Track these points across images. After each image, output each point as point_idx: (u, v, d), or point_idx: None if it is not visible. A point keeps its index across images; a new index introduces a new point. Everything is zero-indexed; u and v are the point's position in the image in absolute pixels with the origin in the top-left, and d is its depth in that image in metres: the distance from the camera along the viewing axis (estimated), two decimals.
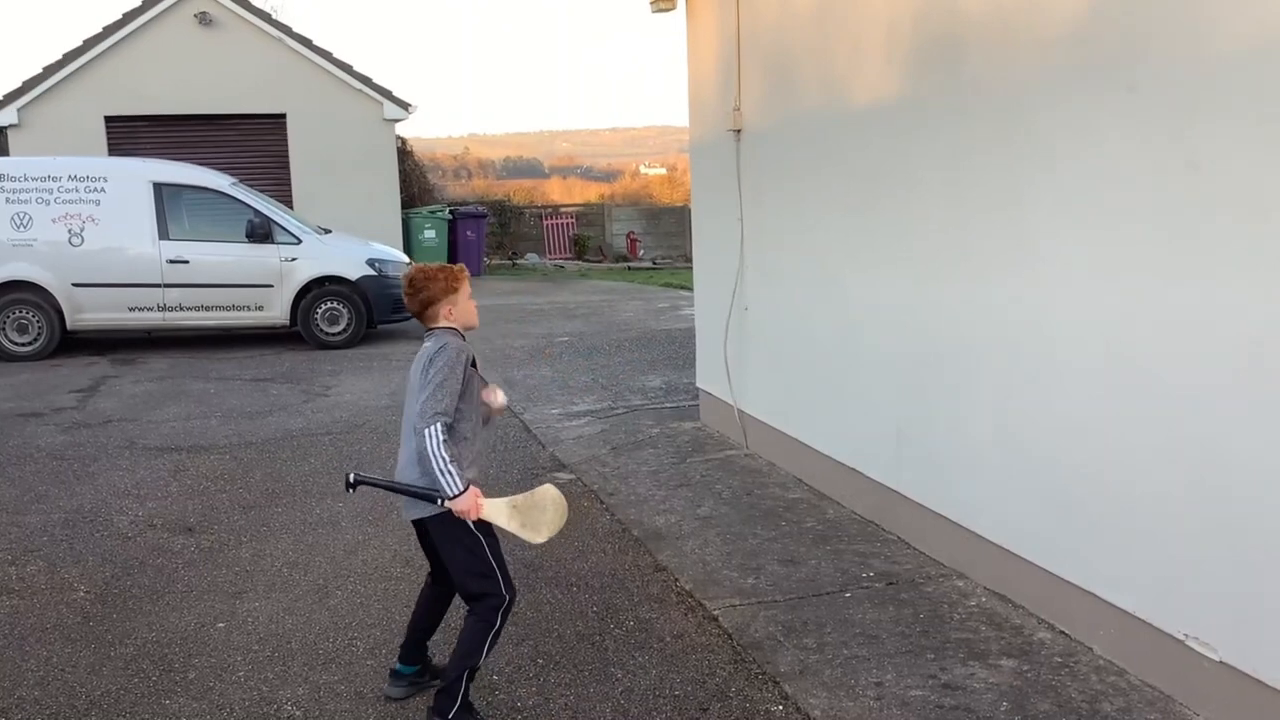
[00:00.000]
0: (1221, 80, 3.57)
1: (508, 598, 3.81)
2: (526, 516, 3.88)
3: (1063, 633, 4.47)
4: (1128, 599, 4.11)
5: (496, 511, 3.80)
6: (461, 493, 3.66)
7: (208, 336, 14.01)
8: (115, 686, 4.27)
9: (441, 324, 3.88)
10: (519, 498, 3.93)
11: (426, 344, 3.85)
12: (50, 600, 5.17)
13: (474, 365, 3.86)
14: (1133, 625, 4.08)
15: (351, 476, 3.96)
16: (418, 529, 3.93)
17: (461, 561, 3.81)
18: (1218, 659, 3.70)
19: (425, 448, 3.64)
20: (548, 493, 4.01)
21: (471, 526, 3.75)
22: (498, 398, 3.98)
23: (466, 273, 3.99)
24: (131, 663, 4.48)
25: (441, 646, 4.22)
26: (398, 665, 4.13)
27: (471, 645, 3.77)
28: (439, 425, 3.63)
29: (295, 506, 6.62)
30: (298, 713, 4.03)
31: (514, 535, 3.92)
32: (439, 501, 3.70)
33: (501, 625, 3.82)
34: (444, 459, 3.63)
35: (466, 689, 3.79)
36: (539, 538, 3.92)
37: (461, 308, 3.90)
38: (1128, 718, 3.79)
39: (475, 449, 3.86)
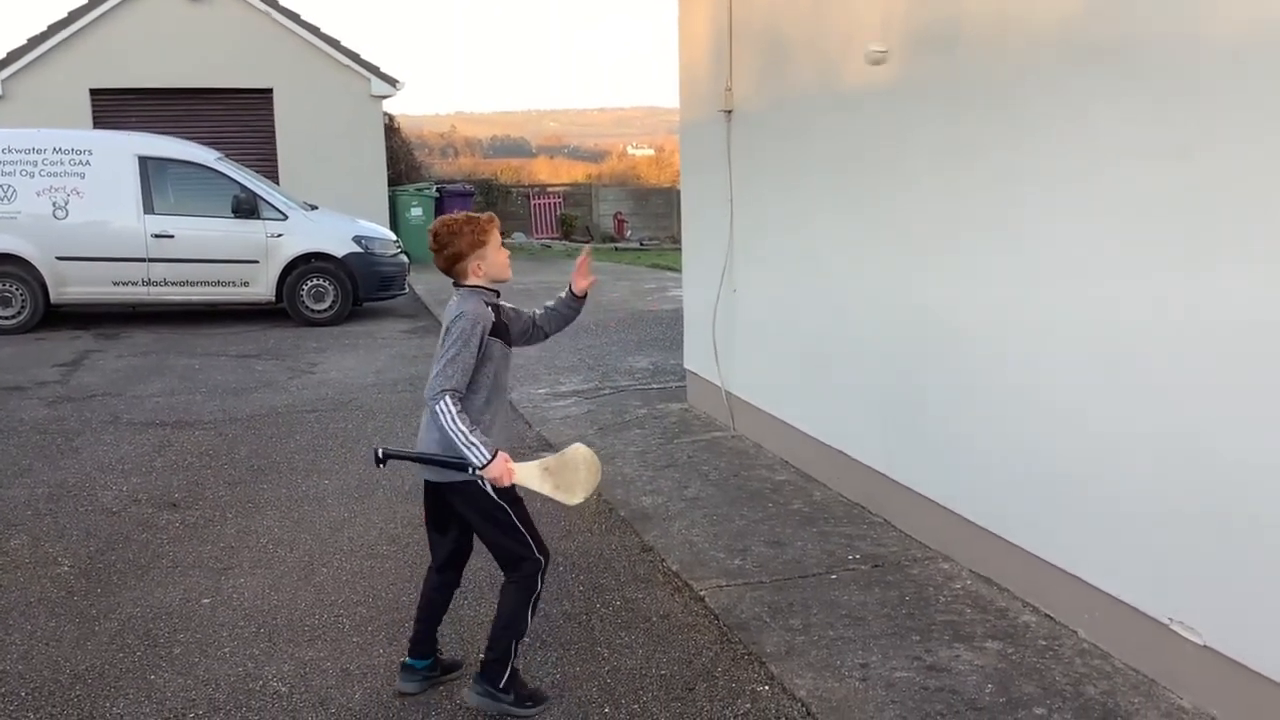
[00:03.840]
0: (1216, 68, 3.56)
1: (542, 560, 3.74)
2: (559, 478, 3.73)
3: (1047, 616, 4.50)
4: (1113, 583, 4.13)
5: (529, 475, 3.68)
6: (490, 460, 3.53)
7: (192, 312, 13.96)
8: (100, 661, 4.25)
9: (470, 281, 3.72)
10: (550, 459, 3.79)
11: (450, 303, 3.72)
12: (34, 574, 5.14)
13: (499, 331, 3.69)
14: (1117, 609, 4.10)
15: (380, 451, 3.77)
16: (431, 493, 3.81)
17: (491, 531, 3.73)
18: (1202, 643, 3.72)
19: (442, 424, 3.53)
20: (579, 452, 3.85)
21: (494, 495, 3.64)
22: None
23: (495, 221, 3.77)
24: (116, 637, 4.46)
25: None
26: (408, 659, 3.99)
27: (515, 614, 3.71)
28: (448, 398, 3.51)
29: (281, 483, 6.60)
30: (283, 689, 4.03)
31: (548, 498, 3.78)
32: (470, 470, 3.58)
33: (540, 589, 3.75)
34: (464, 431, 3.51)
35: (515, 657, 3.74)
36: (574, 498, 3.77)
37: (491, 260, 3.71)
38: (1112, 701, 3.81)
39: (489, 421, 3.68)
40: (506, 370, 3.81)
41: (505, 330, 3.78)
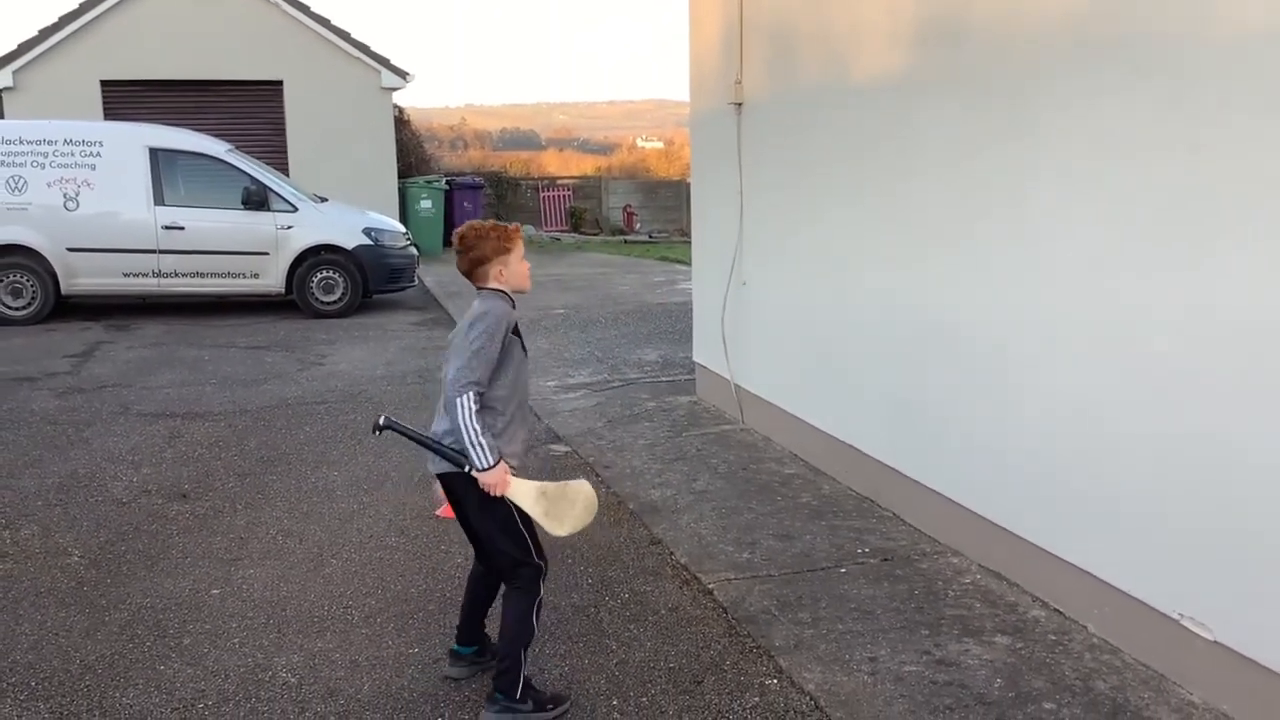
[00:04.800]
0: (1228, 62, 3.54)
1: (542, 565, 3.74)
2: (553, 505, 3.73)
3: (1057, 611, 4.48)
4: (1123, 578, 4.12)
5: (523, 493, 3.67)
6: (491, 467, 3.55)
7: (202, 303, 13.98)
8: (110, 651, 4.26)
9: (491, 285, 3.75)
10: (551, 485, 3.78)
11: (474, 304, 3.73)
12: (44, 565, 5.16)
13: (517, 333, 3.73)
14: (1127, 604, 4.09)
15: (382, 419, 3.80)
16: (447, 490, 3.80)
17: (490, 525, 3.73)
18: (1212, 639, 3.71)
19: (456, 417, 3.53)
20: (581, 488, 3.85)
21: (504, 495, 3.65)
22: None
23: (521, 233, 3.84)
24: (126, 628, 4.48)
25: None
26: (455, 646, 4.04)
27: (520, 622, 3.69)
28: (471, 394, 3.52)
29: (290, 474, 6.61)
30: (293, 679, 4.03)
31: (536, 521, 3.77)
32: (466, 469, 3.60)
33: (542, 594, 3.75)
34: (475, 429, 3.52)
35: (525, 665, 3.70)
36: (561, 530, 3.76)
37: (513, 269, 3.76)
38: (1121, 696, 3.80)
39: (507, 420, 3.68)
40: (526, 374, 3.81)
41: (521, 336, 3.79)
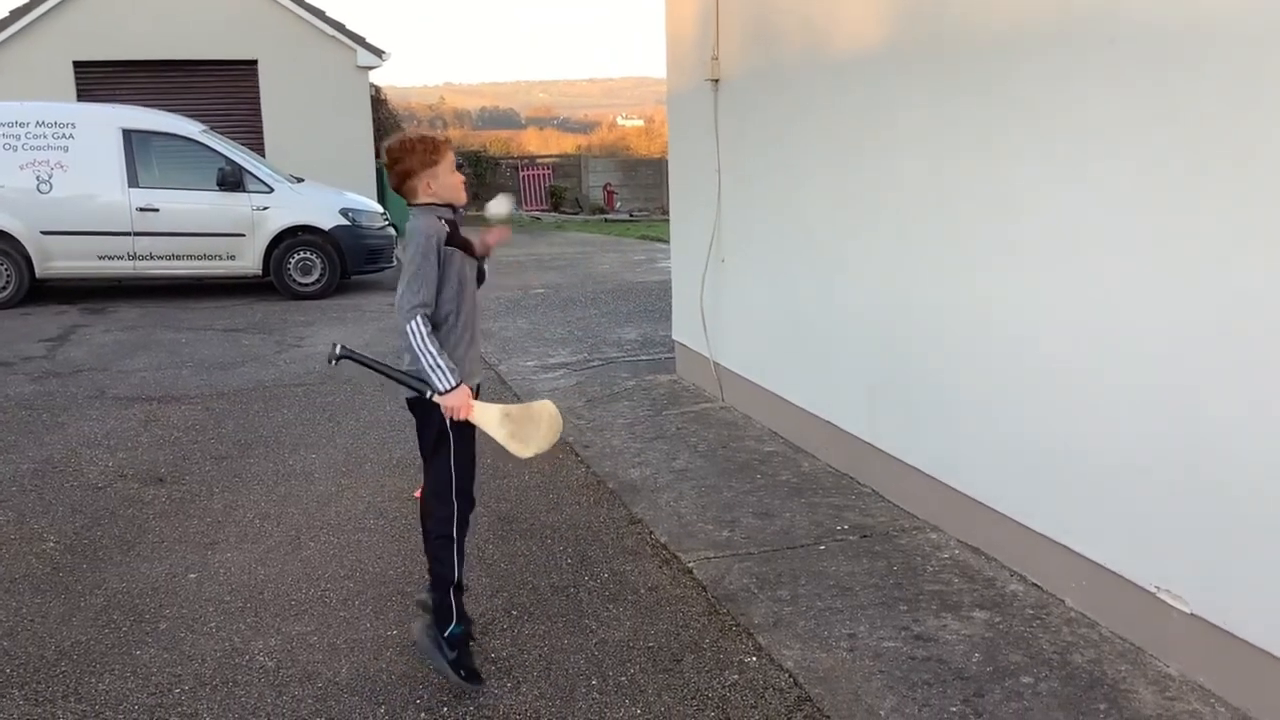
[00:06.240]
0: (1201, 34, 3.53)
1: (456, 506, 3.72)
2: (518, 427, 3.73)
3: (1035, 585, 4.50)
4: (1100, 552, 4.13)
5: (487, 417, 3.66)
6: (452, 388, 3.53)
7: (179, 286, 13.89)
8: (85, 637, 4.23)
9: (422, 200, 3.70)
10: (513, 407, 3.76)
11: (407, 226, 3.71)
12: (19, 550, 5.11)
13: (456, 243, 3.64)
14: (1105, 578, 4.10)
15: (338, 349, 3.78)
16: (411, 410, 3.84)
17: (428, 449, 3.77)
18: (1189, 611, 3.73)
19: (411, 344, 3.53)
20: (545, 407, 3.84)
21: (447, 425, 3.64)
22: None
23: (450, 144, 3.77)
24: (102, 613, 4.44)
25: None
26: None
27: (439, 562, 3.73)
28: (419, 318, 3.51)
29: (268, 457, 6.57)
30: (270, 663, 4.01)
31: (500, 446, 3.78)
32: (428, 395, 3.59)
33: (460, 535, 3.75)
34: (432, 353, 3.51)
35: (458, 604, 3.74)
36: (527, 451, 3.76)
37: (443, 181, 3.68)
38: (1098, 669, 3.82)
39: (456, 337, 3.66)
40: (473, 284, 3.76)
41: (465, 241, 3.72)
